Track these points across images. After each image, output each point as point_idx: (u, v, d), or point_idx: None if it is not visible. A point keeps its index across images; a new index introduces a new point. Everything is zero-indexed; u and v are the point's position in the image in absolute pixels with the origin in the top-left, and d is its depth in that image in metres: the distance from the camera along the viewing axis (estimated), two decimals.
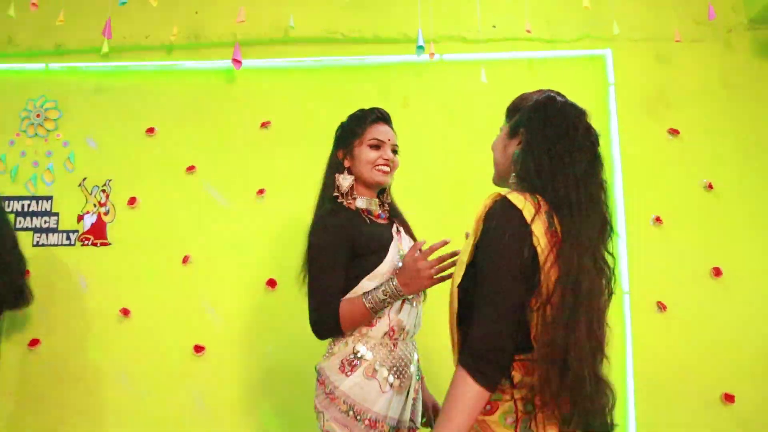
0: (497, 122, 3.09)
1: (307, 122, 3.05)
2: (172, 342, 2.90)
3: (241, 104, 3.10)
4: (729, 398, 2.81)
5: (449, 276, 1.63)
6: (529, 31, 2.95)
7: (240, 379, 2.88)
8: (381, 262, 1.78)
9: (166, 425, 2.86)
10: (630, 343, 2.86)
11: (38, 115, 3.11)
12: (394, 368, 1.75)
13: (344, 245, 1.75)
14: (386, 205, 1.97)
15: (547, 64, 3.12)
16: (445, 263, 1.67)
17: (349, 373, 1.72)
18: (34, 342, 2.92)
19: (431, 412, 1.99)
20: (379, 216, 1.92)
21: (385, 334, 1.76)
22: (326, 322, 1.72)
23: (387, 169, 1.90)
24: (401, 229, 1.95)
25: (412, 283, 1.67)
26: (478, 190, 2.92)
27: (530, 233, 1.24)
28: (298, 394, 2.80)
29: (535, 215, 1.26)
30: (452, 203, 2.97)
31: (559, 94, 1.46)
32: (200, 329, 2.91)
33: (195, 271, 2.96)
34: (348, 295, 1.76)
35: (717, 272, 2.90)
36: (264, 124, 3.08)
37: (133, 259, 2.98)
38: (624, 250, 2.92)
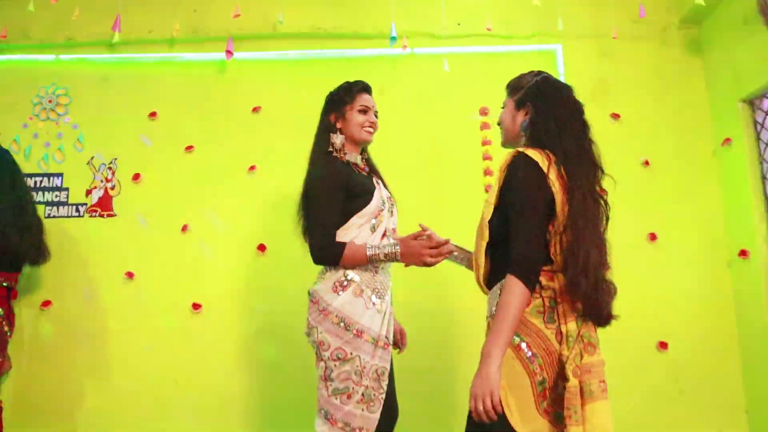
0: (462, 107, 3.51)
1: (293, 108, 3.39)
2: (172, 301, 3.24)
3: (235, 92, 3.47)
4: (663, 345, 3.23)
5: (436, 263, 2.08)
6: (489, 29, 3.39)
7: (234, 333, 3.23)
8: (367, 204, 2.17)
9: (167, 376, 3.19)
10: None
11: (50, 101, 3.45)
12: (376, 290, 2.14)
13: (340, 188, 2.13)
14: (365, 161, 2.36)
15: (505, 57, 3.54)
16: (441, 258, 2.08)
17: (340, 293, 2.09)
18: (46, 303, 3.23)
19: (398, 335, 2.37)
20: (363, 169, 2.30)
21: None
22: (330, 255, 2.09)
23: (372, 130, 2.30)
24: (379, 181, 2.33)
25: (411, 259, 2.08)
26: (444, 163, 3.36)
27: (547, 178, 1.64)
28: (286, 345, 3.18)
29: (548, 165, 1.65)
30: (422, 176, 3.37)
31: (549, 74, 1.88)
32: (198, 289, 3.26)
33: (193, 238, 3.31)
34: (341, 231, 2.13)
35: (653, 237, 3.33)
36: (255, 109, 3.45)
37: (137, 229, 3.32)
38: None
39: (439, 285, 3.17)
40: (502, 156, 3.29)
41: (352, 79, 2.38)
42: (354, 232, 2.14)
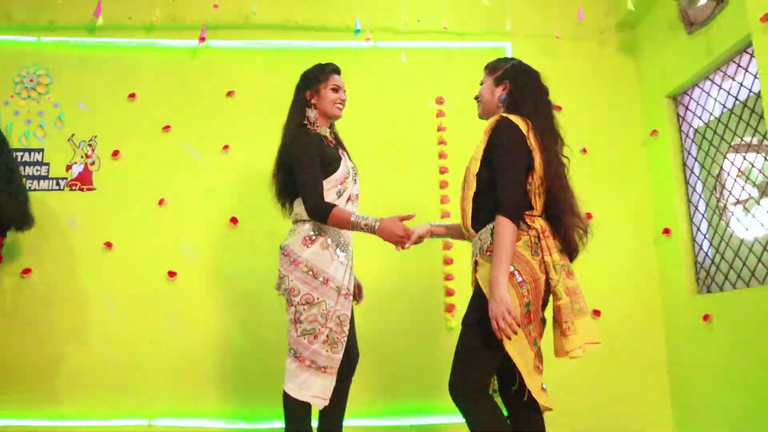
0: (419, 96, 3.82)
1: (265, 93, 3.67)
2: (149, 269, 3.47)
3: (211, 77, 3.73)
4: (596, 313, 3.60)
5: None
6: (446, 27, 3.73)
7: (207, 300, 3.48)
8: (335, 171, 2.45)
9: (144, 339, 3.41)
10: None
11: (31, 80, 3.64)
12: (340, 245, 2.43)
13: (319, 154, 2.41)
14: (332, 134, 2.64)
15: (460, 53, 3.90)
16: (408, 246, 2.35)
17: (309, 246, 2.37)
18: (26, 271, 3.41)
19: (357, 289, 2.68)
20: (331, 141, 2.59)
21: None
22: (322, 212, 2.33)
23: (342, 106, 2.59)
24: (345, 153, 2.62)
25: (388, 236, 2.31)
26: (403, 146, 3.67)
27: (527, 139, 1.98)
28: (257, 310, 3.44)
29: (528, 129, 2.00)
30: (383, 157, 3.67)
31: (521, 61, 2.23)
32: (173, 258, 3.49)
33: (169, 211, 3.55)
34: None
35: (589, 216, 3.65)
36: (229, 93, 3.72)
37: (116, 202, 3.54)
38: None
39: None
40: (455, 141, 3.68)
41: None
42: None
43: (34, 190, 3.50)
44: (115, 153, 3.58)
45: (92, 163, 3.56)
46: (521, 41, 3.91)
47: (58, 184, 3.54)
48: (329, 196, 2.44)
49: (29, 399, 3.31)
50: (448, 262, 3.58)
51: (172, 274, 3.46)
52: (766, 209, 3.05)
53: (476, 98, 2.30)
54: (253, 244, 3.48)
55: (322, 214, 2.34)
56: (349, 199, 2.51)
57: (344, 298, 2.41)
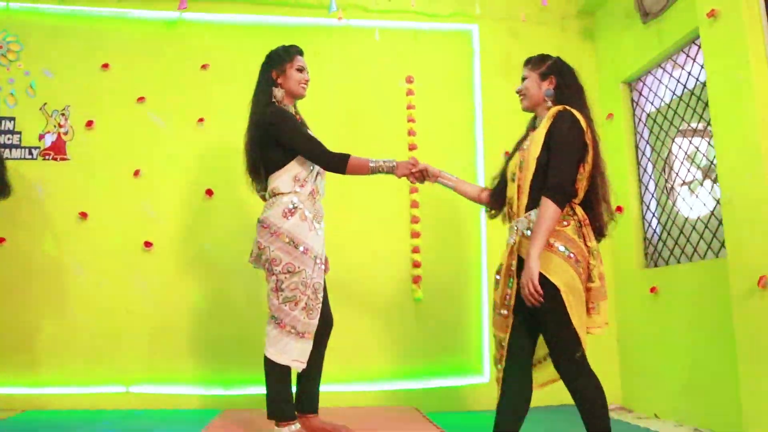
0: (389, 75, 3.92)
1: (239, 68, 3.69)
2: (125, 239, 3.54)
3: (185, 50, 3.77)
4: None
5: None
6: (413, 6, 3.85)
7: (182, 270, 3.58)
8: None
9: (121, 309, 3.50)
10: (485, 250, 3.84)
11: (0, 47, 3.59)
12: (316, 217, 2.57)
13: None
14: (296, 113, 2.75)
15: (429, 34, 4.03)
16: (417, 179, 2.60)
17: (289, 218, 2.50)
18: (0, 240, 3.43)
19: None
20: (298, 119, 2.71)
21: (309, 193, 2.57)
22: (340, 163, 2.51)
23: (305, 86, 2.70)
24: (309, 130, 2.74)
25: (403, 170, 2.56)
26: (372, 123, 3.79)
27: (585, 133, 2.12)
28: (231, 280, 3.55)
29: (586, 124, 2.14)
30: (353, 131, 3.79)
31: (560, 57, 2.35)
32: (150, 229, 3.56)
33: (145, 182, 3.61)
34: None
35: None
36: (204, 66, 3.77)
37: (90, 172, 3.58)
38: (482, 177, 3.89)
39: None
40: (424, 119, 3.81)
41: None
42: (295, 167, 2.55)
43: (7, 158, 3.48)
44: (89, 123, 3.60)
45: (65, 133, 3.58)
46: (488, 24, 4.07)
47: (30, 153, 3.54)
48: (304, 171, 2.56)
49: (7, 368, 3.37)
50: (415, 235, 3.76)
51: (148, 244, 3.54)
52: (708, 190, 3.33)
53: (519, 92, 2.39)
54: (229, 216, 3.58)
55: (340, 163, 2.52)
56: (319, 172, 2.64)
57: (319, 268, 2.55)
